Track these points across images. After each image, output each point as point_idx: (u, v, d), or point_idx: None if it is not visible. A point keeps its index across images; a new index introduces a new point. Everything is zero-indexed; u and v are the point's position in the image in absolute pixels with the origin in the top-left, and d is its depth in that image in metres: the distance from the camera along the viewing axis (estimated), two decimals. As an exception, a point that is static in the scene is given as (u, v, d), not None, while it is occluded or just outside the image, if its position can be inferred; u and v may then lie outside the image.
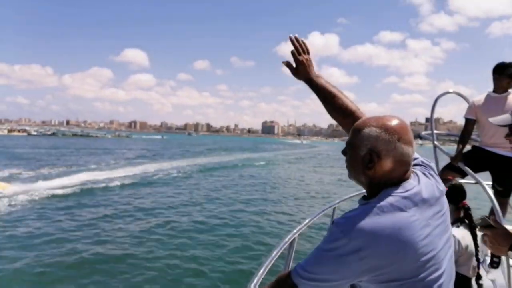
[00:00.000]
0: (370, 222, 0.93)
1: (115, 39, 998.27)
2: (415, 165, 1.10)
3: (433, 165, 1.16)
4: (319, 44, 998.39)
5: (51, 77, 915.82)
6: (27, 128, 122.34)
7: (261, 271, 1.63)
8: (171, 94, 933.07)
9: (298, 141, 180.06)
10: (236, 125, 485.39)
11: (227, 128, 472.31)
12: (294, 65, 1.41)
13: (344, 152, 1.10)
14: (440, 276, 0.97)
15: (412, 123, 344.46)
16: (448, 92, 3.73)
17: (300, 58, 1.39)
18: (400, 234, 0.91)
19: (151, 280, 6.53)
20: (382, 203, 0.95)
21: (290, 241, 2.14)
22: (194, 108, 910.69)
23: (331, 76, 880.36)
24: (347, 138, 1.09)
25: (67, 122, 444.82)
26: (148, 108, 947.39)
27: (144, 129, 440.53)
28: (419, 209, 0.96)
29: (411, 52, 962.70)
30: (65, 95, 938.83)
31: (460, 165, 3.11)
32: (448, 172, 3.15)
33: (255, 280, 1.56)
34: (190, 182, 18.81)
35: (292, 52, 1.39)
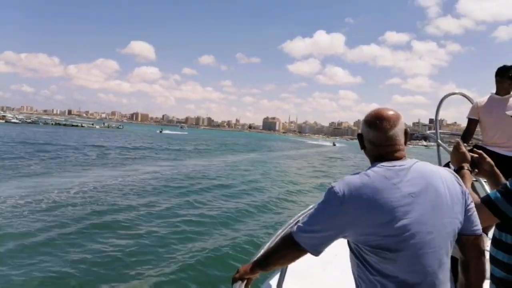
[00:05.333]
0: (354, 181, 1.15)
1: (122, 31, 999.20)
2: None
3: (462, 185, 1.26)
4: (325, 42, 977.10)
5: (57, 67, 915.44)
6: (8, 115, 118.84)
7: (269, 242, 1.76)
8: (175, 88, 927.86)
9: (329, 144, 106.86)
10: (237, 120, 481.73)
11: (228, 123, 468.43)
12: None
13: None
14: (411, 245, 1.10)
15: (415, 124, 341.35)
16: (454, 93, 3.87)
17: None
18: (377, 194, 1.11)
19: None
20: (369, 169, 1.19)
21: (295, 222, 2.36)
22: (197, 103, 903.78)
23: (335, 76, 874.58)
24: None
25: (69, 112, 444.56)
26: (152, 101, 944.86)
27: (145, 121, 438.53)
28: (402, 182, 1.14)
29: (415, 54, 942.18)
30: (70, 85, 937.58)
31: None
32: None
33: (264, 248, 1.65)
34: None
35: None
